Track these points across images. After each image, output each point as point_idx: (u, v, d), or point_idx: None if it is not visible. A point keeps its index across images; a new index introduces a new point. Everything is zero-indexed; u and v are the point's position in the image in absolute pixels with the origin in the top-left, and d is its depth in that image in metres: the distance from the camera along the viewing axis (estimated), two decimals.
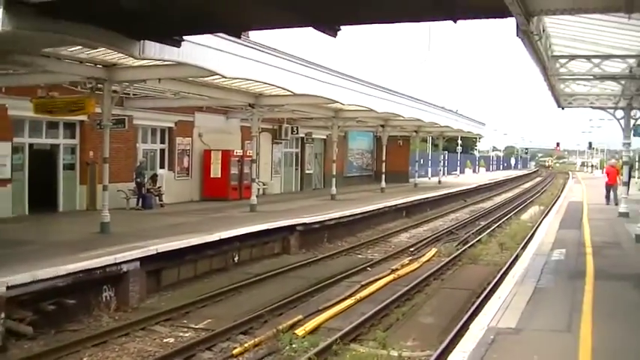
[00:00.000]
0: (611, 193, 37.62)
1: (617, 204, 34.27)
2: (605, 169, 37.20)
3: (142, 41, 17.88)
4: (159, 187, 32.14)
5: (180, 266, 20.20)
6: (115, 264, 17.04)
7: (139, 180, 30.17)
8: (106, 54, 20.63)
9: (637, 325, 11.65)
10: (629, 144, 32.60)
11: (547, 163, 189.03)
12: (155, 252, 18.61)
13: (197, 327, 15.61)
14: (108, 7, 13.74)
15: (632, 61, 21.64)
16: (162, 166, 34.71)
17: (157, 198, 31.68)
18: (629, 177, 35.98)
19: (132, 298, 17.50)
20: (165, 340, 14.74)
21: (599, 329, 11.17)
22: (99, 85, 22.28)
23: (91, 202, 28.77)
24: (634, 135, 27.19)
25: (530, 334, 11.09)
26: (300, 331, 14.58)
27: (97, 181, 27.23)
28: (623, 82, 24.10)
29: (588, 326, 11.36)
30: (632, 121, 30.27)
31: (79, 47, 19.24)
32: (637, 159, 57.87)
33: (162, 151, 34.96)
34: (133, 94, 29.18)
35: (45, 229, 22.88)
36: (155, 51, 18.49)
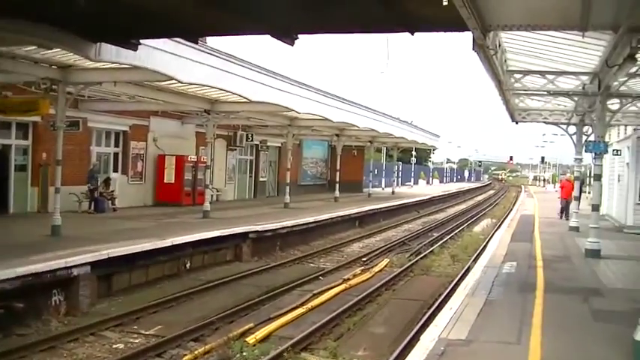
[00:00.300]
0: (565, 207, 37.77)
1: (567, 219, 34.64)
2: (559, 183, 37.17)
3: (98, 43, 17.79)
4: (112, 191, 31.84)
5: (131, 271, 20.03)
6: (66, 268, 16.81)
7: (91, 184, 29.87)
8: (61, 55, 20.41)
9: (585, 338, 11.78)
10: (580, 159, 33.12)
11: (500, 177, 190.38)
12: (106, 256, 18.41)
13: (147, 333, 15.46)
14: (65, 8, 13.61)
15: (585, 78, 21.99)
16: (115, 170, 34.37)
17: (110, 202, 31.37)
18: (580, 192, 36.45)
19: (82, 302, 17.27)
20: (114, 346, 14.58)
21: (548, 341, 11.28)
22: (53, 86, 22.03)
23: (43, 204, 28.39)
24: (585, 151, 27.48)
25: (480, 345, 11.17)
26: (251, 339, 14.53)
27: (50, 184, 26.92)
28: (576, 98, 24.49)
29: (538, 338, 11.46)
30: (584, 137, 30.71)
31: (35, 47, 19.03)
32: (588, 174, 58.51)
33: (116, 154, 34.63)
34: (88, 97, 28.85)
35: None
36: (111, 54, 18.38)
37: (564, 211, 37.57)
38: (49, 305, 16.42)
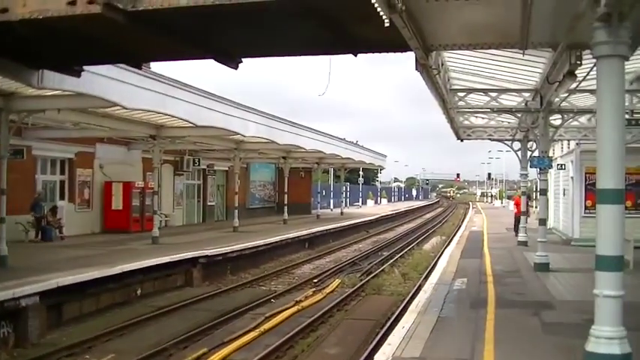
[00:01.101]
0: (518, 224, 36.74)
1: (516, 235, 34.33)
2: (514, 200, 36.82)
3: (40, 70, 17.61)
4: (59, 219, 31.48)
5: (82, 300, 19.78)
6: (13, 299, 16.53)
7: (36, 212, 29.52)
8: (2, 82, 20.14)
9: (536, 351, 11.88)
10: (526, 174, 33.57)
11: (449, 194, 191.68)
12: (56, 286, 18.16)
13: None
14: (5, 34, 13.47)
15: (527, 95, 22.34)
16: (62, 198, 34.02)
17: (57, 230, 31.02)
18: (527, 206, 36.87)
19: (31, 333, 17.00)
20: None
21: (500, 356, 11.36)
22: None
23: None
24: (530, 166, 27.86)
25: None
26: None
27: None
28: (519, 115, 24.84)
29: (491, 354, 11.53)
30: (529, 153, 31.10)
31: None
32: (534, 189, 59.26)
33: (62, 182, 34.27)
34: (32, 124, 28.54)
35: None
36: (54, 81, 18.23)
37: (518, 227, 35.98)
38: None
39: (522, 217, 33.43)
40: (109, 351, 16.04)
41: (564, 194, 36.65)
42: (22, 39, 13.39)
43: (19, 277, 18.46)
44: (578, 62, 14.31)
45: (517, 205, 37.87)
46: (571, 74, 15.20)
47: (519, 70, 19.42)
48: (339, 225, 49.41)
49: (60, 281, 18.47)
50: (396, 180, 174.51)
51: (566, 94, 21.56)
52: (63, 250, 26.31)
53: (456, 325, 14.23)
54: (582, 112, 24.82)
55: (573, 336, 12.02)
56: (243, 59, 16.12)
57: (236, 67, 16.11)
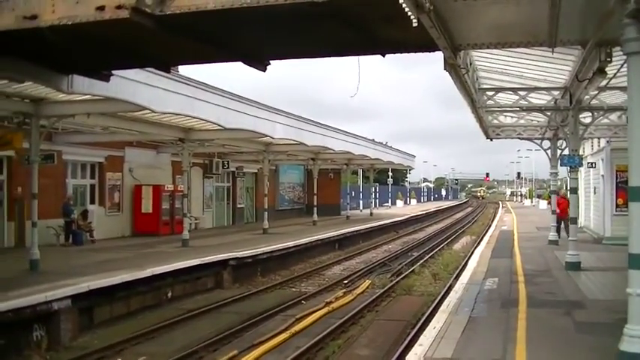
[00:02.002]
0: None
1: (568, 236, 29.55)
2: (556, 200, 33.60)
3: (70, 76, 17.73)
4: (89, 223, 31.69)
5: (112, 303, 19.87)
6: (46, 302, 16.67)
7: (67, 217, 29.74)
8: (33, 88, 20.32)
9: (569, 350, 11.79)
10: (556, 173, 33.25)
11: (479, 194, 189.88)
12: (87, 289, 18.27)
13: None
14: (34, 41, 13.57)
15: (556, 93, 22.19)
16: (92, 202, 34.28)
17: (88, 234, 31.24)
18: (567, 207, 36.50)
19: (64, 336, 17.12)
20: None
21: (532, 356, 11.28)
22: (26, 120, 21.96)
23: (20, 238, 28.24)
24: (560, 165, 27.65)
25: None
26: None
27: (26, 218, 26.78)
28: (548, 113, 24.64)
29: (522, 353, 11.45)
30: (559, 151, 30.90)
31: (5, 81, 18.94)
32: (564, 188, 58.81)
33: (92, 186, 34.54)
34: (62, 129, 28.73)
35: None
36: (84, 86, 18.33)
37: (560, 230, 32.82)
38: (30, 341, 16.22)
39: (553, 216, 32.95)
40: (139, 354, 16.09)
41: (595, 192, 36.39)
42: (51, 45, 13.44)
43: (51, 280, 18.60)
44: (608, 59, 14.18)
45: (560, 205, 33.11)
46: (601, 71, 15.08)
47: (548, 68, 19.31)
48: (368, 226, 49.35)
49: (91, 284, 18.57)
50: (425, 180, 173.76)
51: (596, 92, 21.42)
52: (93, 254, 26.48)
53: (487, 325, 14.14)
54: (613, 109, 24.63)
55: (606, 335, 11.92)
56: (271, 61, 16.12)
57: (264, 69, 16.10)
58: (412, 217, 67.90)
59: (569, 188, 27.90)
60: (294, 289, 26.03)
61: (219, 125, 27.83)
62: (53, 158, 27.02)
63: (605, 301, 16.92)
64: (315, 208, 50.36)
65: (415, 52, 15.07)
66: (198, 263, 24.44)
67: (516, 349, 11.77)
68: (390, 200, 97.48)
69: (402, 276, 28.12)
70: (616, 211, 31.29)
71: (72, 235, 30.12)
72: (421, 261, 33.44)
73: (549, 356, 11.53)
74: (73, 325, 17.58)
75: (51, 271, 20.99)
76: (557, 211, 32.55)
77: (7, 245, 28.21)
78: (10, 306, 15.59)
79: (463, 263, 28.98)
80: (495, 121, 29.89)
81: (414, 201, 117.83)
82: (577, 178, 25.93)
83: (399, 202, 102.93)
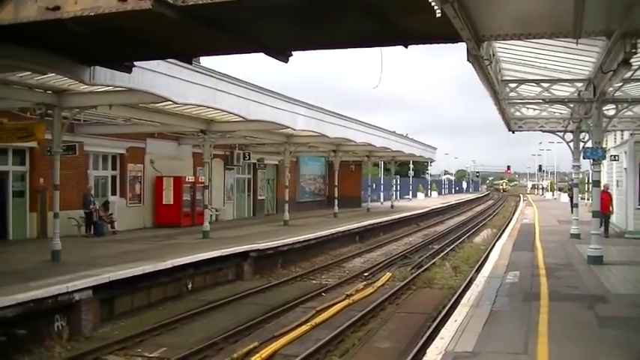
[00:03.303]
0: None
1: (607, 236, 30.06)
2: (598, 195, 30.91)
3: (92, 67, 17.77)
4: (110, 214, 31.81)
5: (133, 294, 19.95)
6: (67, 293, 16.74)
7: (88, 208, 29.84)
8: (55, 80, 20.43)
9: (592, 345, 11.70)
10: (578, 166, 33.01)
11: (501, 186, 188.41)
12: (108, 280, 18.34)
13: (151, 356, 15.36)
14: (57, 32, 13.59)
15: (580, 85, 22.01)
16: (113, 193, 34.40)
17: (109, 225, 31.36)
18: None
19: (85, 327, 17.18)
20: None
21: (555, 350, 11.21)
22: (49, 112, 22.01)
23: (42, 229, 28.38)
24: (583, 157, 27.44)
25: (487, 357, 11.08)
26: (255, 359, 14.43)
27: (48, 209, 26.94)
28: (571, 105, 24.47)
29: (545, 348, 11.39)
30: (581, 144, 30.67)
31: (28, 73, 19.02)
32: (586, 181, 58.46)
33: (113, 177, 34.67)
34: (84, 120, 28.88)
35: None
36: (106, 77, 18.38)
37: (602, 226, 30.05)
38: (51, 331, 16.31)
39: (575, 209, 32.76)
40: (160, 345, 16.14)
41: (618, 186, 36.13)
42: (73, 36, 13.44)
43: (73, 271, 18.69)
44: (634, 50, 14.05)
45: (602, 200, 29.57)
46: (626, 63, 14.93)
47: (572, 60, 19.15)
48: (389, 218, 49.26)
49: (112, 275, 18.64)
50: (446, 173, 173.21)
51: (620, 84, 21.21)
52: (115, 245, 26.58)
53: (509, 318, 14.07)
54: (637, 101, 24.42)
55: (630, 330, 11.87)
56: (292, 52, 16.08)
57: (286, 61, 16.08)
58: (433, 209, 67.72)
59: (591, 181, 27.55)
60: (314, 282, 26.02)
61: (240, 117, 27.80)
62: (75, 149, 27.12)
63: (628, 296, 16.80)
64: (336, 200, 50.27)
65: (438, 43, 15.00)
66: (219, 255, 24.47)
67: (538, 343, 11.70)
68: (410, 193, 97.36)
69: (423, 269, 28.05)
70: (639, 204, 31.04)
71: (93, 226, 30.25)
72: (442, 254, 33.33)
73: (572, 351, 11.44)
74: (94, 316, 17.63)
75: (72, 261, 21.08)
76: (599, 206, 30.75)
77: (30, 236, 28.37)
78: (31, 296, 15.66)
79: (484, 256, 28.87)
80: (518, 114, 29.72)
81: (434, 193, 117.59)
82: (600, 171, 25.64)
83: (420, 195, 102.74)
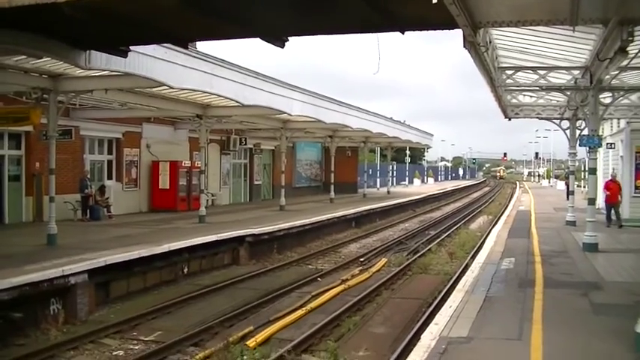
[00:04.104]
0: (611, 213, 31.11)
1: (620, 226, 30.07)
2: (604, 185, 31.59)
3: (87, 51, 17.74)
4: (107, 199, 31.80)
5: (129, 278, 19.97)
6: (63, 276, 16.76)
7: (84, 192, 29.83)
8: (51, 64, 20.39)
9: (586, 332, 11.74)
10: (574, 154, 33.07)
11: (498, 174, 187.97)
12: (103, 264, 18.37)
13: (147, 339, 15.39)
14: (51, 16, 13.55)
15: (576, 72, 21.97)
16: (109, 177, 34.39)
17: (105, 209, 31.36)
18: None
19: (80, 310, 17.21)
20: (114, 353, 14.52)
21: (549, 336, 11.25)
22: (44, 96, 21.99)
23: (38, 213, 28.37)
24: (579, 145, 27.46)
25: (481, 342, 11.13)
26: (251, 343, 14.48)
27: (44, 193, 26.90)
28: (568, 93, 24.45)
29: (539, 334, 11.43)
30: (578, 132, 30.68)
31: (24, 57, 18.98)
32: (582, 168, 58.53)
33: (109, 162, 34.64)
34: (80, 105, 28.85)
35: None
36: (101, 61, 18.35)
37: (610, 217, 30.75)
38: (47, 314, 16.32)
39: (572, 197, 32.84)
40: (155, 329, 16.19)
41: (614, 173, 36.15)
42: (69, 20, 13.41)
43: (68, 255, 18.72)
44: (630, 38, 14.05)
45: (609, 189, 30.73)
46: (622, 51, 14.91)
47: (569, 47, 19.12)
48: (385, 204, 49.29)
49: (108, 259, 18.67)
50: (442, 159, 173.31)
51: (616, 72, 21.25)
52: (110, 229, 26.61)
53: (503, 304, 14.12)
54: (633, 89, 24.45)
55: (624, 317, 11.87)
56: (289, 38, 16.06)
57: (282, 46, 16.07)
58: (429, 195, 67.81)
59: (587, 169, 27.61)
60: (310, 267, 26.07)
61: (237, 102, 27.79)
62: (71, 134, 27.08)
63: (622, 283, 16.86)
64: (332, 186, 50.28)
65: (434, 29, 14.97)
66: (215, 239, 24.50)
67: (532, 330, 11.75)
68: (407, 179, 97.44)
69: (419, 255, 28.10)
70: (635, 192, 31.11)
71: (89, 211, 30.23)
72: (438, 240, 33.39)
73: (566, 337, 11.48)
74: (89, 300, 17.67)
75: (68, 245, 21.10)
76: (607, 194, 30.84)
77: (26, 220, 28.37)
78: (27, 280, 15.68)
79: (480, 243, 28.95)
80: (514, 101, 29.72)
81: (431, 180, 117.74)
82: (596, 159, 25.67)
83: (417, 181, 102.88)
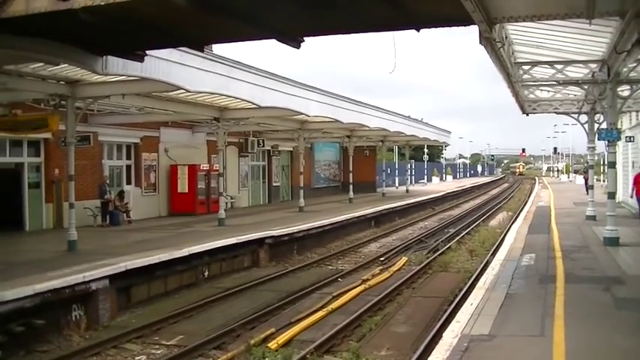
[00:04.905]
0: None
1: None
2: (633, 178, 31.36)
3: (104, 57, 17.77)
4: (126, 204, 31.88)
5: (150, 282, 20.02)
6: (84, 282, 16.82)
7: (103, 197, 29.93)
8: (68, 70, 20.49)
9: (608, 327, 11.67)
10: (593, 148, 32.88)
11: (517, 169, 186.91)
12: (124, 269, 18.43)
13: (169, 343, 15.43)
14: (68, 22, 13.59)
15: (594, 66, 21.89)
16: (128, 183, 34.48)
17: (125, 214, 31.43)
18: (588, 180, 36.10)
19: (102, 316, 17.28)
20: (137, 358, 14.56)
21: (571, 332, 11.19)
22: (62, 102, 22.05)
23: (58, 220, 28.49)
24: (598, 139, 27.33)
25: (503, 339, 11.09)
26: (272, 345, 14.48)
27: (63, 199, 27.03)
28: (586, 87, 24.35)
29: (561, 330, 11.37)
30: (596, 125, 30.52)
31: (41, 64, 19.05)
32: (602, 162, 58.17)
33: (128, 167, 34.75)
34: (98, 111, 28.97)
35: (11, 249, 22.53)
36: (118, 66, 18.39)
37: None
38: (69, 320, 16.41)
39: (590, 191, 32.68)
40: (177, 333, 16.23)
41: (633, 167, 35.95)
42: (85, 26, 13.45)
43: (89, 261, 18.77)
44: None
45: (637, 183, 30.65)
46: None
47: (585, 41, 19.04)
48: (404, 203, 49.22)
49: (128, 264, 18.72)
50: (460, 156, 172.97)
51: (634, 64, 21.10)
52: (130, 234, 26.68)
53: (525, 301, 14.06)
54: None
55: None
56: (304, 38, 16.04)
57: (298, 47, 16.03)
58: (448, 193, 67.66)
59: (606, 163, 27.40)
60: (330, 267, 26.08)
61: (254, 104, 27.79)
62: (89, 140, 27.15)
63: None
64: (351, 186, 50.21)
65: (450, 26, 14.93)
66: (235, 242, 24.53)
67: (555, 326, 11.69)
68: (425, 177, 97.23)
69: (439, 253, 28.06)
70: None
71: (109, 216, 30.33)
72: (457, 237, 33.32)
73: (589, 333, 11.42)
74: (111, 305, 17.73)
75: (89, 251, 21.18)
76: (634, 188, 30.63)
77: (46, 227, 28.47)
78: (49, 286, 15.74)
79: (500, 239, 28.81)
80: (532, 96, 29.62)
81: (449, 177, 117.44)
82: (615, 153, 25.51)
83: (435, 179, 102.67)
